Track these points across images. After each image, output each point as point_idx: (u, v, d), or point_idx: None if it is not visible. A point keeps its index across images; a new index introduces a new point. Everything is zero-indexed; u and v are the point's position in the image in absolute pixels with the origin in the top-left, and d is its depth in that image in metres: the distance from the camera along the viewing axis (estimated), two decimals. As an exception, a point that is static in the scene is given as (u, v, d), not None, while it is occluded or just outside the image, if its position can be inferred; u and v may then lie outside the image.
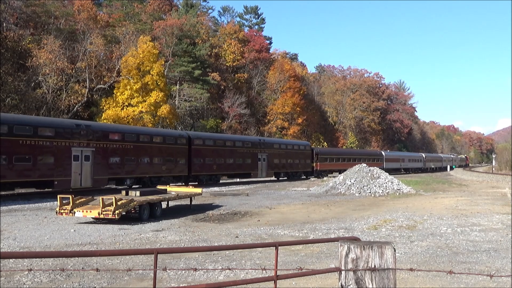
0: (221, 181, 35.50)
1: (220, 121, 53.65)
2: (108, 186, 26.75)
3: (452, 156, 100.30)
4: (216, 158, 33.34)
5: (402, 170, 66.51)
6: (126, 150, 26.18)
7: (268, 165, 38.95)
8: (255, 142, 38.85)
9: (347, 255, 2.78)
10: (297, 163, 43.47)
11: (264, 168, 38.43)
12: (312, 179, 42.85)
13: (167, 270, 3.21)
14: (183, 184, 30.14)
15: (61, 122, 24.22)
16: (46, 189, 22.49)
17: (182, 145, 30.61)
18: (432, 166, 78.53)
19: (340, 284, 2.81)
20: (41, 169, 21.27)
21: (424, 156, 77.59)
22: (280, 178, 41.72)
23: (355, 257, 2.75)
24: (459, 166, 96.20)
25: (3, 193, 21.68)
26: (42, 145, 21.35)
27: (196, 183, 31.07)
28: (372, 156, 58.79)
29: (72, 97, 38.10)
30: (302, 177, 44.68)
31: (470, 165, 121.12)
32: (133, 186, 26.44)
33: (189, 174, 31.19)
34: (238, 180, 38.59)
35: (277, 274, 3.17)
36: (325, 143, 69.82)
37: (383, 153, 63.05)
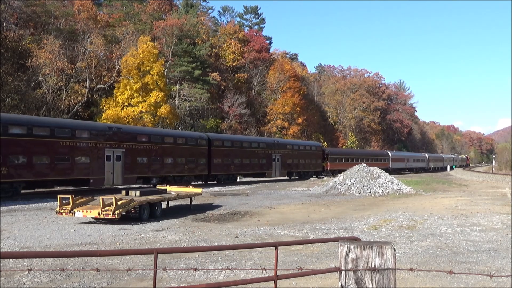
0: (238, 180, 37.35)
1: (220, 121, 53.67)
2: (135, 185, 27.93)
3: (453, 156, 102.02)
4: (233, 158, 35.01)
5: (407, 170, 68.29)
6: (152, 151, 28.09)
7: (281, 165, 40.60)
8: (270, 143, 40.72)
9: (347, 255, 2.78)
10: (309, 163, 44.96)
11: (278, 168, 40.11)
12: (312, 179, 42.95)
13: (167, 270, 3.21)
14: (203, 183, 32.51)
15: (95, 125, 26.65)
16: (83, 187, 24.29)
17: (202, 146, 32.31)
18: (435, 166, 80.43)
19: (340, 284, 2.81)
20: (79, 168, 23.29)
21: (427, 156, 79.39)
22: (292, 178, 43.08)
23: (355, 257, 2.75)
24: (460, 166, 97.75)
25: (43, 190, 23.57)
26: (79, 146, 23.38)
27: (215, 181, 33.33)
28: (379, 156, 60.98)
29: (72, 97, 38.11)
30: (313, 176, 45.54)
31: (470, 165, 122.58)
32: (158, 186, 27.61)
33: (209, 173, 32.77)
34: (253, 179, 40.24)
35: (277, 274, 3.17)
36: (325, 143, 69.85)
37: (389, 153, 64.90)
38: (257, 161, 37.62)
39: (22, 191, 21.67)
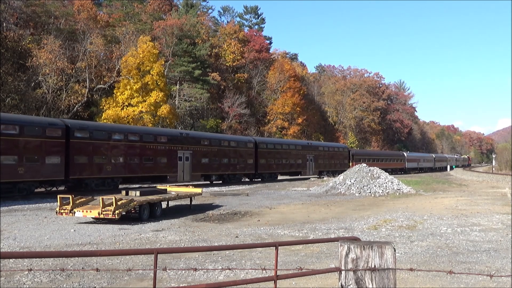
0: (278, 178, 42.16)
1: (220, 121, 53.70)
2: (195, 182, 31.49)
3: (456, 156, 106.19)
4: (275, 159, 39.83)
5: (419, 169, 73.96)
6: (212, 152, 32.77)
7: (314, 165, 45.27)
8: (305, 145, 45.59)
9: (347, 255, 2.78)
10: (337, 162, 49.53)
11: (311, 168, 44.70)
12: (312, 179, 43.00)
13: (167, 270, 3.21)
14: (251, 180, 37.45)
15: (170, 132, 31.95)
16: (162, 184, 27.18)
17: (250, 149, 36.92)
18: (440, 166, 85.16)
19: (340, 284, 2.81)
20: (159, 167, 28.09)
21: (434, 156, 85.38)
22: (321, 176, 46.00)
23: (355, 257, 2.75)
24: (462, 166, 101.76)
25: (134, 186, 27.25)
26: (159, 149, 28.23)
27: (260, 179, 38.15)
28: (396, 157, 67.29)
29: (72, 97, 38.11)
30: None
31: (471, 164, 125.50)
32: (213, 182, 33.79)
33: (255, 172, 37.30)
34: (289, 177, 44.25)
35: (277, 274, 3.17)
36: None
37: (405, 154, 70.85)
38: (294, 161, 42.32)
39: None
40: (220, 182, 34.16)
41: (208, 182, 33.33)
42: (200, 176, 31.68)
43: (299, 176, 43.76)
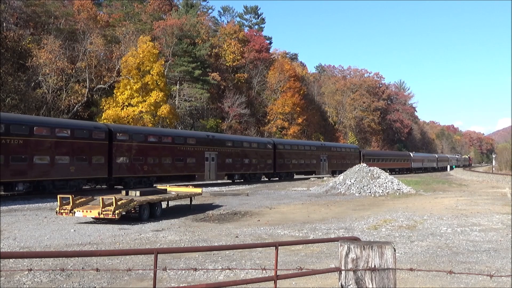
0: (295, 176, 44.07)
1: (220, 121, 53.70)
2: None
3: (457, 156, 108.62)
4: (292, 159, 42.24)
5: (423, 169, 76.55)
6: (235, 153, 35.12)
7: (328, 165, 47.63)
8: (319, 146, 48.19)
9: (347, 255, 2.78)
10: (349, 162, 50.12)
11: (325, 167, 47.02)
12: (312, 178, 43.04)
13: (167, 270, 3.21)
14: (269, 179, 39.78)
15: (198, 134, 34.61)
16: (191, 182, 30.19)
17: (269, 150, 39.43)
18: (442, 166, 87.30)
19: (340, 284, 2.81)
20: (189, 167, 30.55)
21: (436, 156, 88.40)
22: (334, 175, 46.70)
23: (355, 257, 2.75)
24: (463, 166, 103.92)
25: (169, 184, 28.07)
26: (189, 150, 30.54)
27: (277, 178, 40.35)
28: (403, 157, 70.41)
29: (72, 97, 38.09)
30: None
31: (472, 164, 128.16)
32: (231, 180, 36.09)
33: (274, 171, 39.77)
34: (304, 176, 45.94)
35: (277, 274, 3.17)
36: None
37: (411, 154, 73.79)
38: (309, 161, 44.85)
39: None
40: (242, 180, 36.46)
41: (230, 181, 35.85)
42: (224, 175, 34.13)
43: (314, 175, 45.52)
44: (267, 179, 39.81)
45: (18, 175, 20.54)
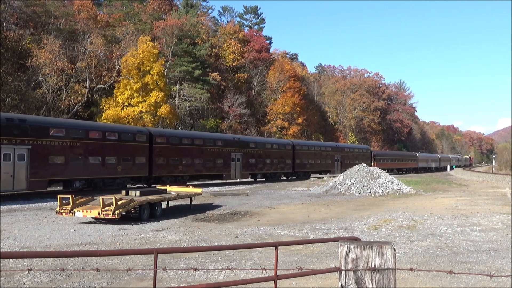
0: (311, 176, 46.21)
1: (220, 121, 53.68)
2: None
3: (458, 156, 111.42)
4: (309, 159, 44.88)
5: (427, 168, 79.31)
6: (258, 154, 37.71)
7: (341, 164, 49.44)
8: (333, 147, 51.33)
9: (347, 255, 2.78)
10: (361, 162, 55.08)
11: (339, 167, 48.90)
12: (313, 178, 43.06)
13: (167, 270, 3.21)
14: (287, 178, 42.07)
15: (225, 136, 37.45)
16: (218, 180, 33.93)
17: (288, 150, 41.77)
18: (444, 165, 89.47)
19: (340, 284, 2.81)
20: (217, 166, 32.99)
21: (439, 156, 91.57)
22: None
23: (355, 257, 2.75)
24: (464, 166, 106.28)
25: (200, 182, 32.05)
26: (218, 151, 33.06)
27: (295, 177, 42.68)
28: (411, 157, 73.77)
29: (72, 97, 38.08)
30: None
31: (472, 164, 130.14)
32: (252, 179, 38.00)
33: (293, 171, 42.38)
34: (319, 175, 48.13)
35: (277, 274, 3.17)
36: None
37: (417, 155, 76.87)
38: (325, 161, 47.56)
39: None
40: (264, 179, 38.92)
41: (253, 180, 38.10)
42: (248, 174, 36.77)
43: (328, 175, 47.48)
44: (285, 178, 42.21)
45: (76, 174, 23.07)
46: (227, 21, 75.61)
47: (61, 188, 23.53)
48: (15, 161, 20.12)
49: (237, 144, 35.38)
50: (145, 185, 27.42)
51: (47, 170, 21.48)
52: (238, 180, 35.77)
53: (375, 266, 2.72)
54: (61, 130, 22.40)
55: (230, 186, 31.45)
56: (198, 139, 32.08)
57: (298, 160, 42.78)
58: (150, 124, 39.29)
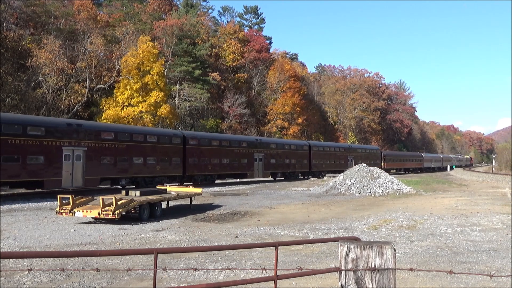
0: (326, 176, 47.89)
1: (220, 121, 53.68)
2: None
3: (459, 156, 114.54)
4: (324, 159, 47.57)
5: (431, 168, 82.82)
6: (278, 154, 40.44)
7: (354, 164, 51.73)
8: (347, 148, 54.68)
9: (347, 255, 2.78)
10: (372, 162, 54.70)
11: (351, 167, 48.73)
12: (313, 178, 43.07)
13: (167, 270, 3.21)
14: (304, 177, 44.08)
15: (249, 138, 40.40)
16: (243, 179, 37.30)
17: (305, 151, 44.68)
18: (445, 165, 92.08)
19: (340, 284, 2.81)
20: (242, 166, 35.59)
21: (441, 156, 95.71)
22: None
23: (355, 257, 2.75)
24: (465, 165, 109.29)
25: (227, 181, 36.12)
26: (242, 152, 35.72)
27: (310, 177, 44.40)
28: (417, 158, 77.59)
29: (72, 97, 38.08)
30: None
31: (473, 164, 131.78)
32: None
33: (309, 170, 44.90)
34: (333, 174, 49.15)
35: (277, 274, 3.17)
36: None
37: (423, 155, 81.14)
38: (338, 161, 49.92)
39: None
40: (283, 178, 41.39)
41: (272, 179, 40.47)
42: (269, 174, 39.21)
43: (342, 174, 49.71)
44: (302, 177, 44.51)
45: (122, 172, 25.72)
46: (227, 21, 75.65)
47: (109, 185, 26.89)
48: (73, 161, 22.52)
49: (259, 145, 38.00)
50: (178, 183, 29.37)
51: (99, 169, 24.10)
52: (260, 178, 38.33)
53: (375, 266, 2.72)
54: (111, 133, 25.20)
55: (230, 186, 31.45)
56: (225, 141, 34.86)
57: (314, 160, 45.43)
58: (150, 124, 39.30)
